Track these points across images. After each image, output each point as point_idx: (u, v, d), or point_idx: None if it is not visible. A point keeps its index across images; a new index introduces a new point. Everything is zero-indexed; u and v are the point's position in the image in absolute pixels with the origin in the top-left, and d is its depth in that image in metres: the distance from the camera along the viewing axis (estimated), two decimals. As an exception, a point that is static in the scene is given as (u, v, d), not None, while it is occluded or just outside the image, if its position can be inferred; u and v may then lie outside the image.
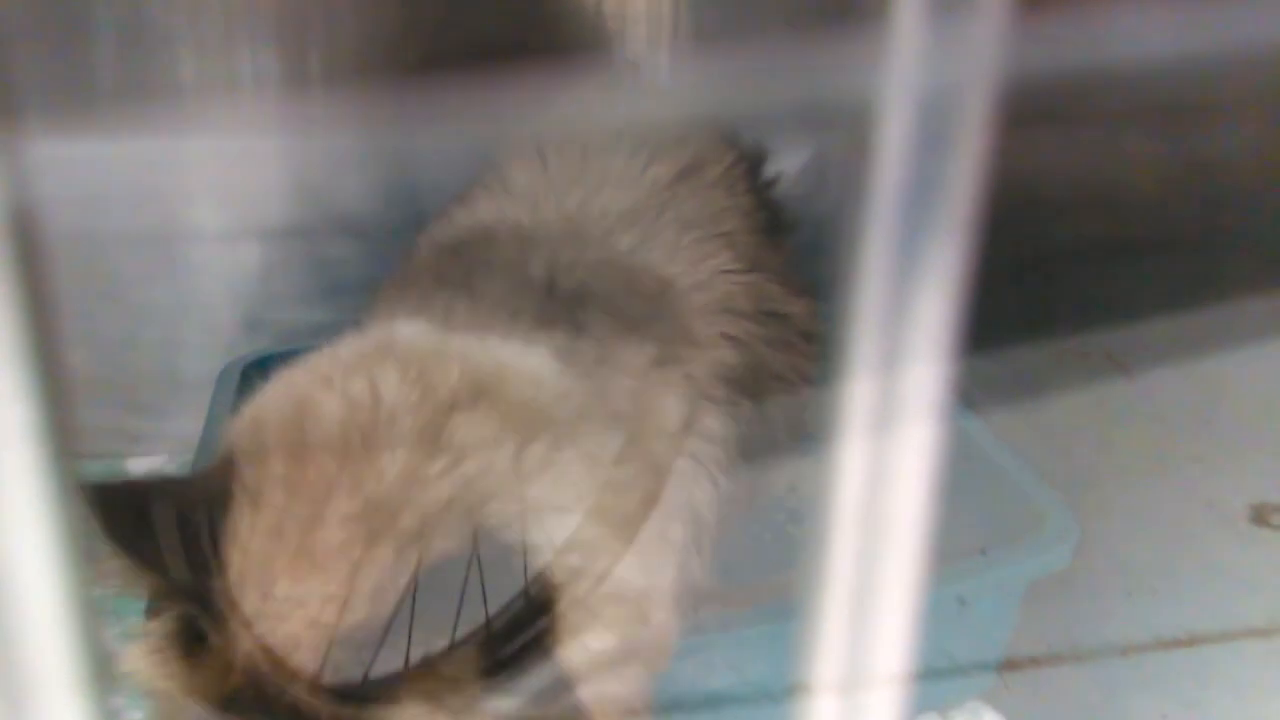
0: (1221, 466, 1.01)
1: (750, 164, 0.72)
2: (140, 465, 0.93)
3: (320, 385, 0.45)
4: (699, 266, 0.60)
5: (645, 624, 0.48)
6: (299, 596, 0.39)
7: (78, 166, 0.91)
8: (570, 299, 0.53)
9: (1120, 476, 1.01)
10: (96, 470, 0.92)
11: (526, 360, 0.47)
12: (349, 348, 0.48)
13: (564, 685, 0.45)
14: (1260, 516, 0.97)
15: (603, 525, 0.43)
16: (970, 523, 0.77)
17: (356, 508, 0.40)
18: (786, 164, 0.99)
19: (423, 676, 0.40)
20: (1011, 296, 1.00)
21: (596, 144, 0.63)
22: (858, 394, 0.20)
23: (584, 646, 0.44)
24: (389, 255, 0.78)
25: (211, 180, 0.92)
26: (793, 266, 0.70)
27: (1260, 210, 1.28)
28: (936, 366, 0.20)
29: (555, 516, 0.42)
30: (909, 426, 0.20)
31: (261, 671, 0.39)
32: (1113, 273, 1.23)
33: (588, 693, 0.47)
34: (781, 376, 0.64)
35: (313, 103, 0.92)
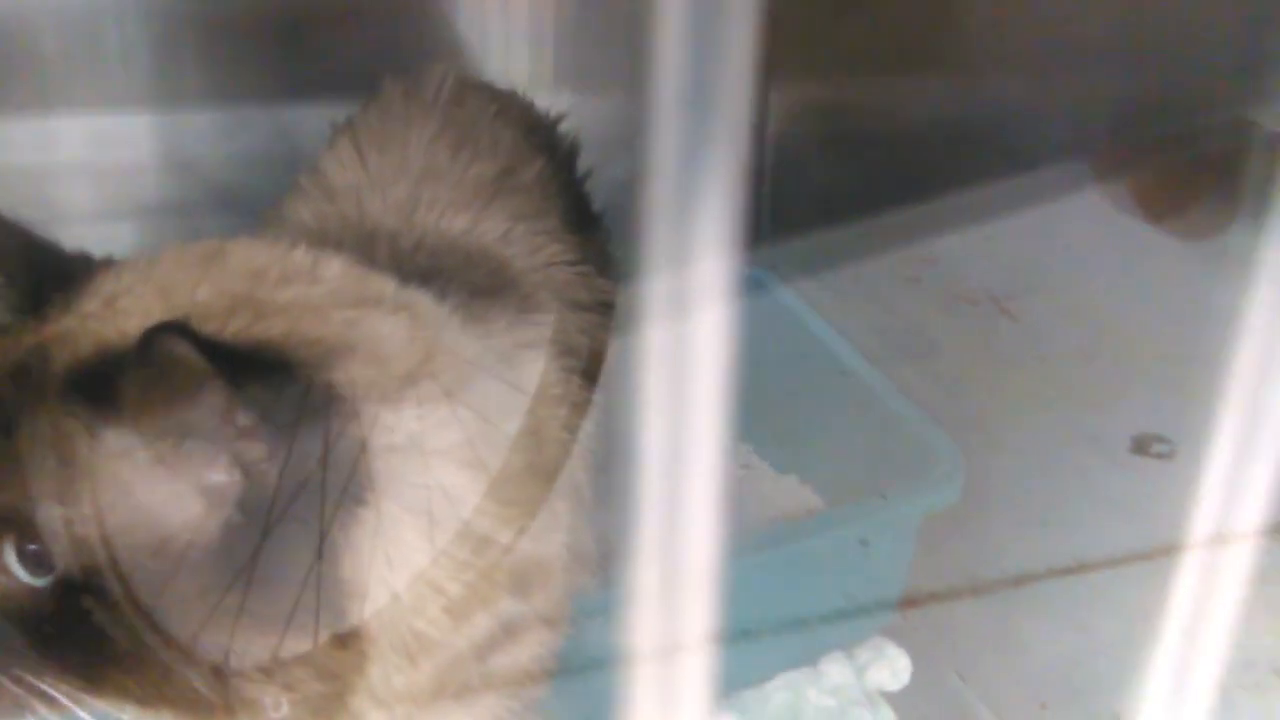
0: (1103, 402, 1.05)
1: (564, 159, 0.73)
2: None
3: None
4: (534, 256, 0.60)
5: (542, 591, 0.48)
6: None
7: (17, 142, 0.87)
8: (422, 275, 0.53)
9: (1008, 416, 1.04)
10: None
11: (412, 300, 0.46)
12: None
13: (470, 656, 0.45)
14: (1141, 447, 1.00)
15: (485, 483, 0.43)
16: (866, 466, 0.79)
17: None
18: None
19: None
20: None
21: (414, 142, 0.63)
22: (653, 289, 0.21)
23: (489, 614, 0.44)
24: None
25: (82, 159, 0.89)
26: (608, 258, 0.71)
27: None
28: (722, 260, 0.21)
29: (436, 459, 0.42)
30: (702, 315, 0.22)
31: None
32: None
33: (494, 660, 0.47)
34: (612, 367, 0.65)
35: (180, 75, 0.90)
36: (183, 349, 0.35)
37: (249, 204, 0.92)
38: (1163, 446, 0.99)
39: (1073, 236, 1.25)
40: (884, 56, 0.86)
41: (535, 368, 0.49)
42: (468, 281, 0.54)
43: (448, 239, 0.58)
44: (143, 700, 0.40)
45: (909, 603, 0.75)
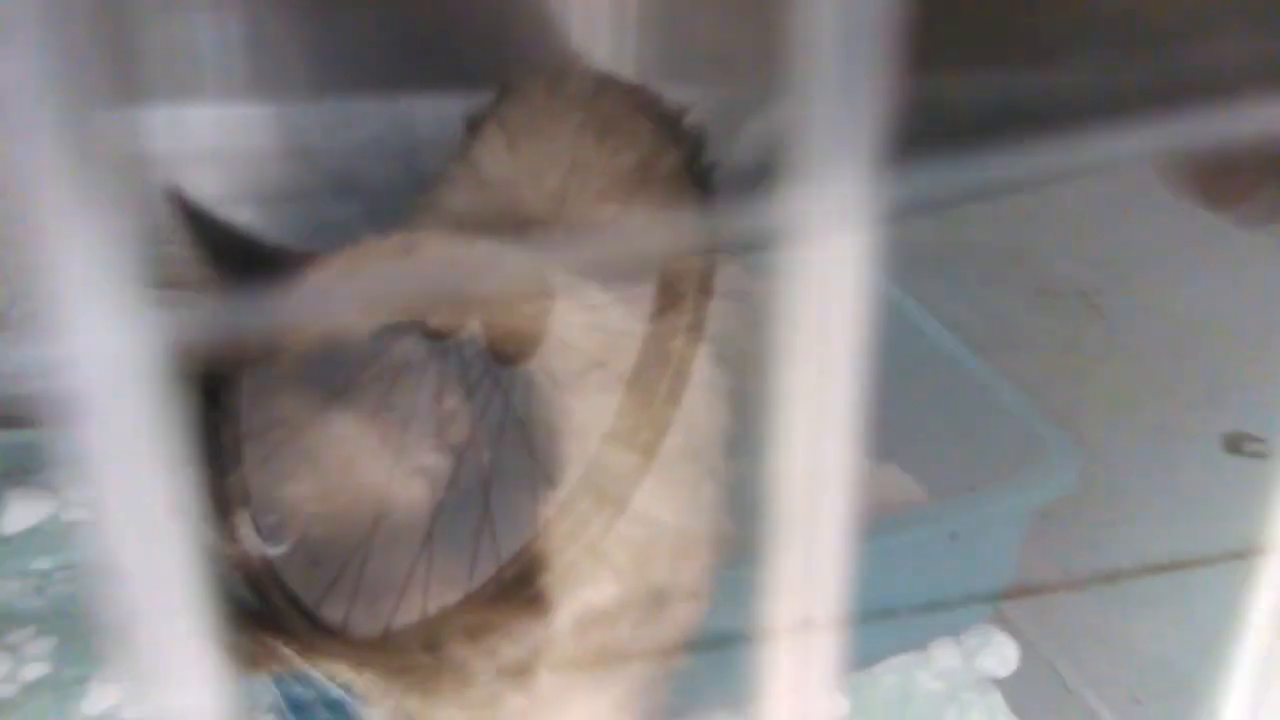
0: (1193, 399, 1.05)
1: (693, 151, 0.74)
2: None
3: None
4: (674, 243, 0.62)
5: (689, 566, 0.50)
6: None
7: (140, 129, 0.91)
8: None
9: (1097, 413, 1.05)
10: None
11: (585, 290, 0.49)
12: None
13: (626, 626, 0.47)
14: (1234, 445, 1.00)
15: (650, 464, 0.45)
16: (969, 456, 0.81)
17: None
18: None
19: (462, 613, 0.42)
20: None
21: (562, 134, 0.65)
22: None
23: (647, 586, 0.46)
24: (388, 214, 0.80)
25: (208, 145, 0.93)
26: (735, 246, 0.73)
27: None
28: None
29: (611, 442, 0.44)
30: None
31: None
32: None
33: (643, 631, 0.49)
34: (748, 355, 0.66)
35: (301, 67, 0.92)
36: (412, 344, 0.38)
37: (365, 191, 0.95)
38: (1257, 445, 0.99)
39: (1153, 229, 1.25)
40: (963, 46, 0.87)
41: (686, 353, 0.51)
42: (619, 269, 0.56)
43: (596, 228, 0.60)
44: (358, 665, 0.42)
45: (1014, 593, 0.77)
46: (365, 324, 0.40)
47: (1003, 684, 0.73)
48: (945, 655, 0.73)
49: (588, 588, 0.45)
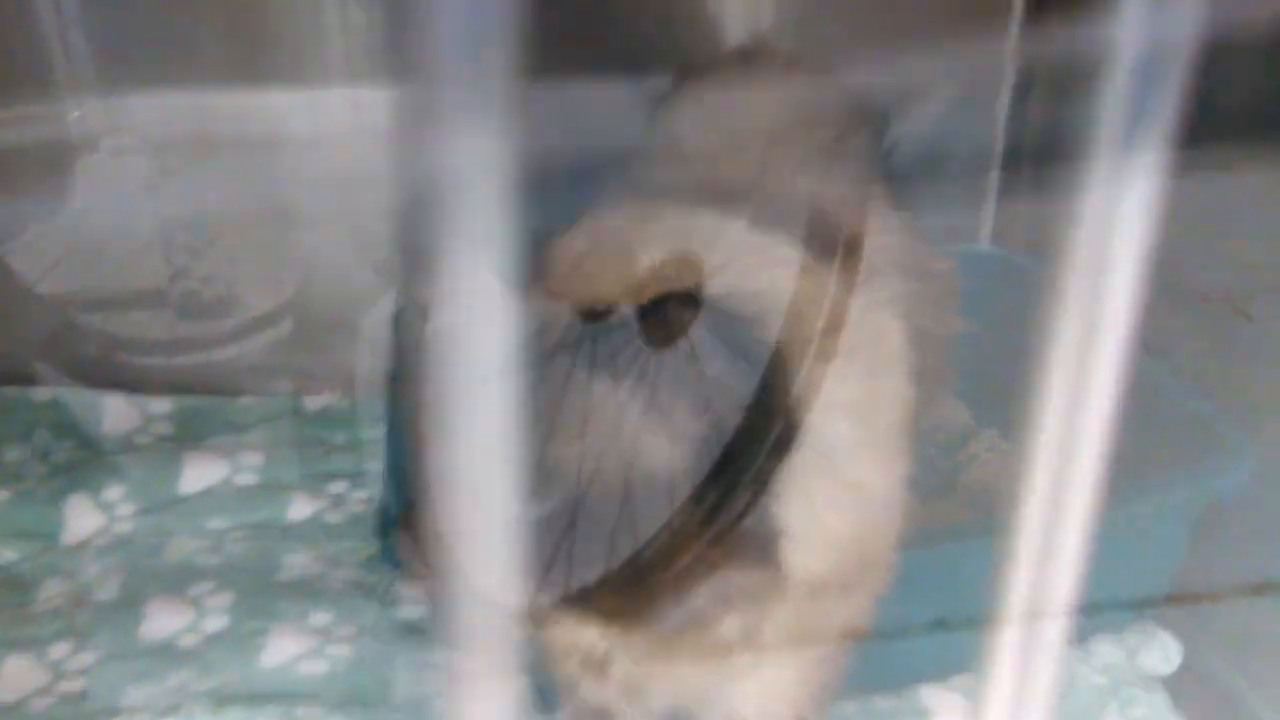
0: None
1: (876, 131, 0.75)
2: (313, 402, 0.97)
3: None
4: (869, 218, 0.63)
5: (883, 538, 0.51)
6: None
7: (255, 113, 0.94)
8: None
9: (1248, 419, 1.02)
10: (268, 408, 0.97)
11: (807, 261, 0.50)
12: None
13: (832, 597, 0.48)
14: (1397, 456, 0.97)
15: (868, 435, 0.46)
16: (1129, 451, 0.79)
17: None
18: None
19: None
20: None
21: (759, 109, 0.66)
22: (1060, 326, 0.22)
23: (856, 558, 0.47)
24: (546, 201, 0.81)
25: (384, 127, 0.95)
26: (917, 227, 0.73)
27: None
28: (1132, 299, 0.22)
29: (836, 412, 0.45)
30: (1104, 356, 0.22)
31: None
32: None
33: (810, 616, 0.50)
34: (929, 333, 0.67)
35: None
36: (688, 314, 0.39)
37: (542, 172, 0.97)
38: None
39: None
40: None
41: (890, 327, 0.52)
42: (818, 241, 0.57)
43: (795, 201, 0.61)
44: (611, 616, 0.44)
45: (1179, 598, 0.75)
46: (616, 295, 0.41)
47: (1167, 682, 0.72)
48: (1106, 651, 0.72)
49: (809, 554, 0.46)
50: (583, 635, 0.52)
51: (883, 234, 0.63)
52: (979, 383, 0.77)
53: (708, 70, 0.72)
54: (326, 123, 0.95)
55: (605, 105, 0.83)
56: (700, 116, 0.66)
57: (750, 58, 0.72)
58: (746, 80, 0.69)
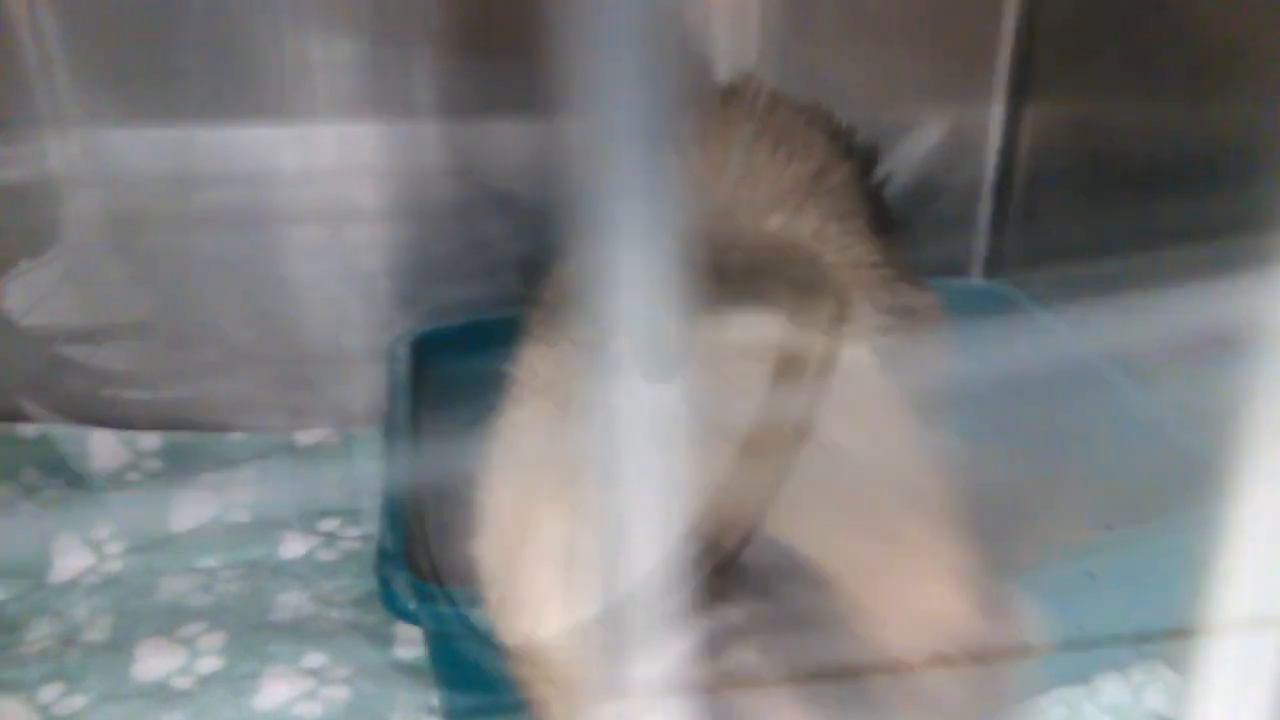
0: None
1: (864, 166, 0.75)
2: (306, 438, 0.96)
3: None
4: (844, 254, 0.63)
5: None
6: None
7: (242, 148, 0.94)
8: (741, 272, 0.56)
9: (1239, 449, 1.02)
10: (261, 443, 0.96)
11: None
12: None
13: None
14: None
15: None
16: (1137, 489, 0.79)
17: None
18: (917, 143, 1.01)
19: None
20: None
21: (735, 143, 0.66)
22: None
23: None
24: (539, 232, 0.81)
25: (371, 162, 0.95)
26: (907, 264, 0.73)
27: None
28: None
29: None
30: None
31: None
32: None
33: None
34: (910, 365, 0.67)
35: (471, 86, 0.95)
36: None
37: (522, 208, 0.97)
38: None
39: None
40: (1157, 78, 0.87)
41: (864, 364, 0.52)
42: (787, 275, 0.57)
43: (766, 234, 0.61)
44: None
45: (1183, 633, 0.75)
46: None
47: (1172, 722, 0.72)
48: (1112, 689, 0.72)
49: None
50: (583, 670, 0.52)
51: (858, 267, 0.63)
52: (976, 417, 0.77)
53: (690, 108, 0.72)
54: (314, 158, 0.95)
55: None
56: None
57: (730, 93, 0.72)
58: (723, 115, 0.69)
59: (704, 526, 0.52)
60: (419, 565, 0.69)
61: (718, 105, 0.71)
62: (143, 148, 0.93)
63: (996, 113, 1.00)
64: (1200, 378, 1.00)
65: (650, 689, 0.51)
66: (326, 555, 0.84)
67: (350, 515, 0.87)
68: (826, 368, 0.56)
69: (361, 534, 0.85)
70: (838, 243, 0.64)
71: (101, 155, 0.94)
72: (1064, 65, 0.94)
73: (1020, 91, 0.98)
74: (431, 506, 0.75)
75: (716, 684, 0.51)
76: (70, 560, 0.83)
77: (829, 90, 0.99)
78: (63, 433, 0.93)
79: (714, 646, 0.50)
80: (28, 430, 0.93)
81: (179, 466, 0.92)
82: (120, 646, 0.75)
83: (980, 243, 1.04)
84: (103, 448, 0.93)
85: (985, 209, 1.03)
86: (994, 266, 1.04)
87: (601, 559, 0.54)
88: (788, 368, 0.56)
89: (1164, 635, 0.76)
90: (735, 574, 0.52)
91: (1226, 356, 1.04)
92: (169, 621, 0.78)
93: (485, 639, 0.61)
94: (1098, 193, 0.93)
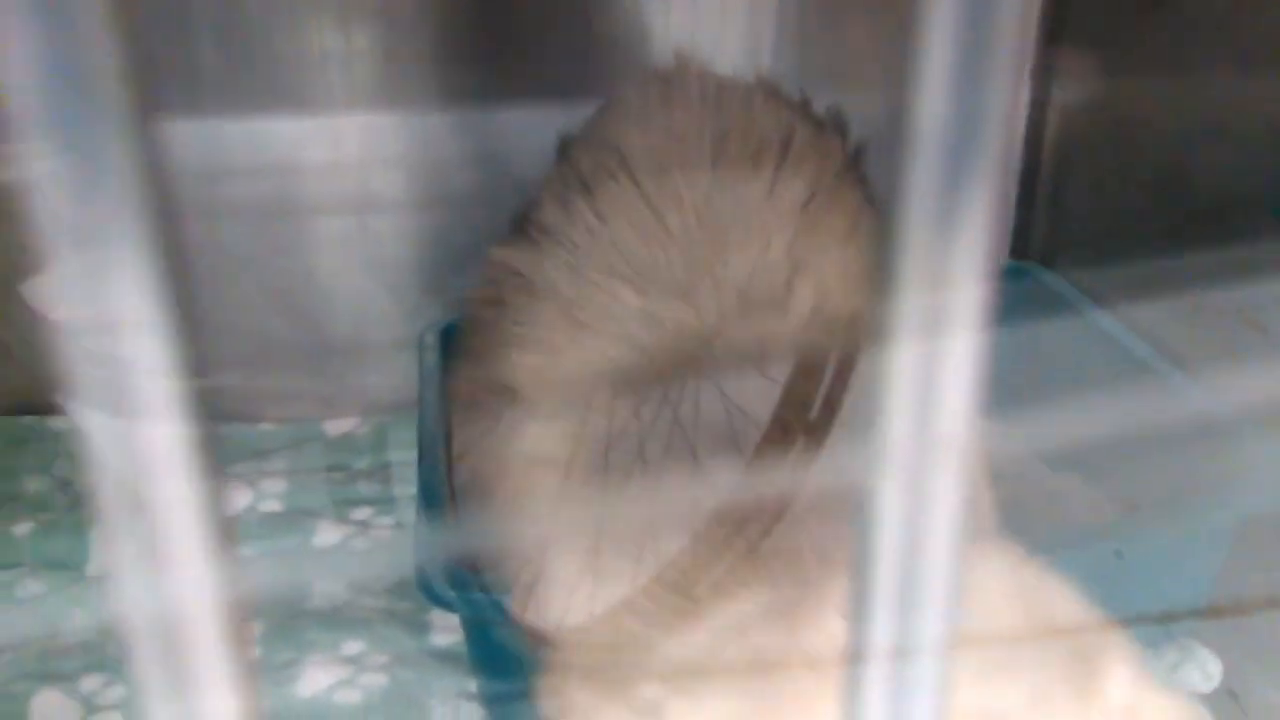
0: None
1: (853, 156, 0.74)
2: (335, 427, 0.97)
3: None
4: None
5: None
6: None
7: (269, 140, 0.94)
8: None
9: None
10: (289, 435, 0.96)
11: None
12: None
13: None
14: None
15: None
16: (1161, 468, 0.79)
17: None
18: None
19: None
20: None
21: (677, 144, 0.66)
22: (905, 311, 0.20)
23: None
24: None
25: (394, 152, 0.95)
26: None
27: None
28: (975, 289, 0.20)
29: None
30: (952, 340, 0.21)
31: None
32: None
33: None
34: None
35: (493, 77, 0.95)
36: None
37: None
38: None
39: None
40: (1185, 60, 0.86)
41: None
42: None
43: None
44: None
45: (1216, 611, 0.75)
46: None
47: (1208, 700, 0.72)
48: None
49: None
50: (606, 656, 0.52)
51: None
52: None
53: (618, 104, 0.72)
54: (337, 149, 0.95)
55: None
56: (637, 137, 0.66)
57: (669, 84, 0.71)
58: (664, 111, 0.69)
59: (729, 512, 0.52)
60: (454, 552, 0.69)
61: (655, 100, 0.70)
62: (166, 142, 0.94)
63: (1024, 94, 0.99)
64: (1231, 359, 1.00)
65: (674, 673, 0.52)
66: (360, 543, 0.85)
67: (383, 504, 0.88)
68: (848, 365, 0.56)
69: (395, 522, 0.86)
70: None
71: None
72: (1092, 47, 0.94)
73: (1048, 73, 0.98)
74: (465, 494, 0.75)
75: (740, 668, 0.51)
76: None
77: (847, 73, 0.99)
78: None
79: (737, 630, 0.50)
80: (59, 423, 0.94)
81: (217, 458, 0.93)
82: (159, 637, 0.76)
83: (1007, 223, 1.04)
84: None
85: (1012, 189, 1.03)
86: (1021, 246, 1.04)
87: (628, 546, 0.55)
88: (809, 363, 0.56)
89: (1194, 613, 0.76)
90: (761, 559, 0.52)
91: (1257, 339, 1.04)
92: (206, 611, 0.78)
93: (519, 625, 0.62)
94: (1125, 174, 0.92)
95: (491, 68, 0.95)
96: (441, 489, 0.72)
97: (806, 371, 0.55)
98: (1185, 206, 0.88)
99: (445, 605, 0.65)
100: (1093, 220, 0.98)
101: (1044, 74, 0.98)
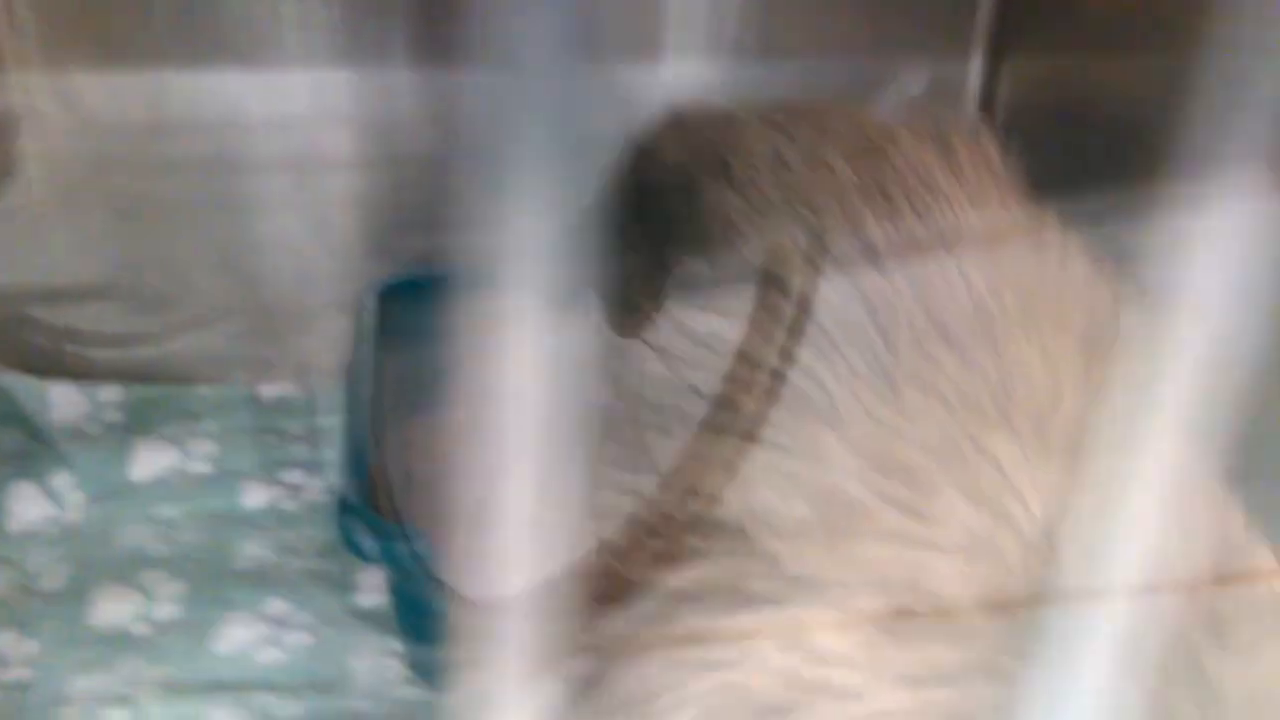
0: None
1: None
2: (270, 391, 0.95)
3: None
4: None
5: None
6: None
7: (210, 93, 0.92)
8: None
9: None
10: (224, 397, 0.94)
11: None
12: None
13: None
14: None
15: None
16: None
17: None
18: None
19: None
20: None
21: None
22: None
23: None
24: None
25: (342, 110, 0.93)
26: None
27: None
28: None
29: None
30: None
31: None
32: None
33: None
34: None
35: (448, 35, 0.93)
36: None
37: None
38: None
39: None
40: (1130, 33, 0.86)
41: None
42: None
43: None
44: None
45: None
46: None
47: None
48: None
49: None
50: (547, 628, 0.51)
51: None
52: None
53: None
54: (284, 105, 0.93)
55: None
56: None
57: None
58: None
59: (666, 491, 0.51)
60: (381, 509, 0.68)
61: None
62: (108, 93, 0.92)
63: (975, 65, 0.99)
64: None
65: (603, 650, 0.51)
66: (290, 506, 0.83)
67: (313, 467, 0.86)
68: (805, 305, 0.55)
69: (325, 485, 0.84)
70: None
71: (67, 99, 0.92)
72: (1042, 19, 0.93)
73: (999, 44, 0.98)
74: (393, 453, 0.74)
75: (669, 645, 0.50)
76: (28, 509, 0.81)
77: (809, 40, 0.98)
78: (22, 385, 0.91)
79: (670, 609, 0.49)
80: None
81: (140, 419, 0.91)
82: (78, 594, 0.74)
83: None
84: (63, 400, 0.91)
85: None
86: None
87: (560, 521, 0.53)
88: (765, 310, 0.55)
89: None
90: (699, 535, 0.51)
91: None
92: (128, 570, 0.76)
93: (442, 583, 0.61)
94: (1072, 145, 0.92)
95: (446, 26, 0.93)
96: (365, 448, 0.70)
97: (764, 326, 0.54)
98: (1128, 177, 0.88)
99: (367, 557, 0.64)
100: (1040, 189, 0.97)
101: (996, 46, 0.98)
